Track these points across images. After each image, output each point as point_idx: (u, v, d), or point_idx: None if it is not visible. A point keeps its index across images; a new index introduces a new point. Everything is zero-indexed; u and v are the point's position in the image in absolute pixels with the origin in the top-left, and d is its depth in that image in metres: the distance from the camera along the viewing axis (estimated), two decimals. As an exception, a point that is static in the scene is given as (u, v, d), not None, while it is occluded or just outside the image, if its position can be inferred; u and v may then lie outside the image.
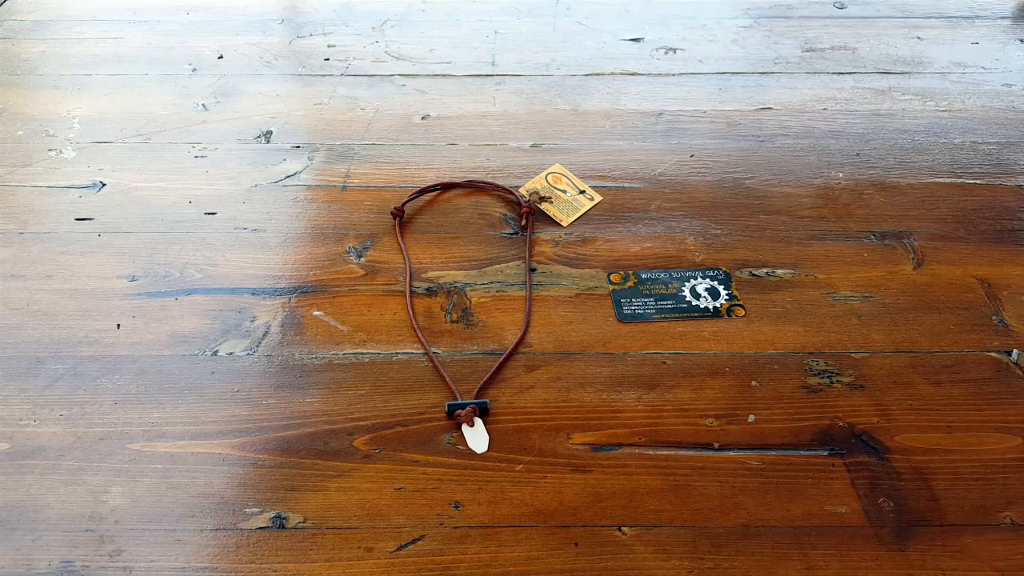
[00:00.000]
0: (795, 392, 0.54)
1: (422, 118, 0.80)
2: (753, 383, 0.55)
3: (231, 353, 0.56)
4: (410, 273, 0.62)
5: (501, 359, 0.56)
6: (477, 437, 0.51)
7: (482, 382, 0.54)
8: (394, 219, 0.67)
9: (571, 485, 0.49)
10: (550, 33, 0.95)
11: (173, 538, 0.46)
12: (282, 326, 0.58)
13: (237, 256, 0.64)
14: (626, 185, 0.72)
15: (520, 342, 0.57)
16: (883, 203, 0.70)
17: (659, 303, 0.60)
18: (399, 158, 0.75)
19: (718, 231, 0.67)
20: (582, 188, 0.71)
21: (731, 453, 0.50)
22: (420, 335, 0.57)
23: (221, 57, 0.90)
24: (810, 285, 0.62)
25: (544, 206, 0.68)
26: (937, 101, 0.84)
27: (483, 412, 0.52)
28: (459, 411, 0.52)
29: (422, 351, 0.57)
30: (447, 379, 0.54)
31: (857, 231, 0.67)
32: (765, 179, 0.73)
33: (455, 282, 0.62)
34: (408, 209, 0.69)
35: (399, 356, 0.56)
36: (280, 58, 0.90)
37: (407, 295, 0.60)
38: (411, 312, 0.59)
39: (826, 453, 0.50)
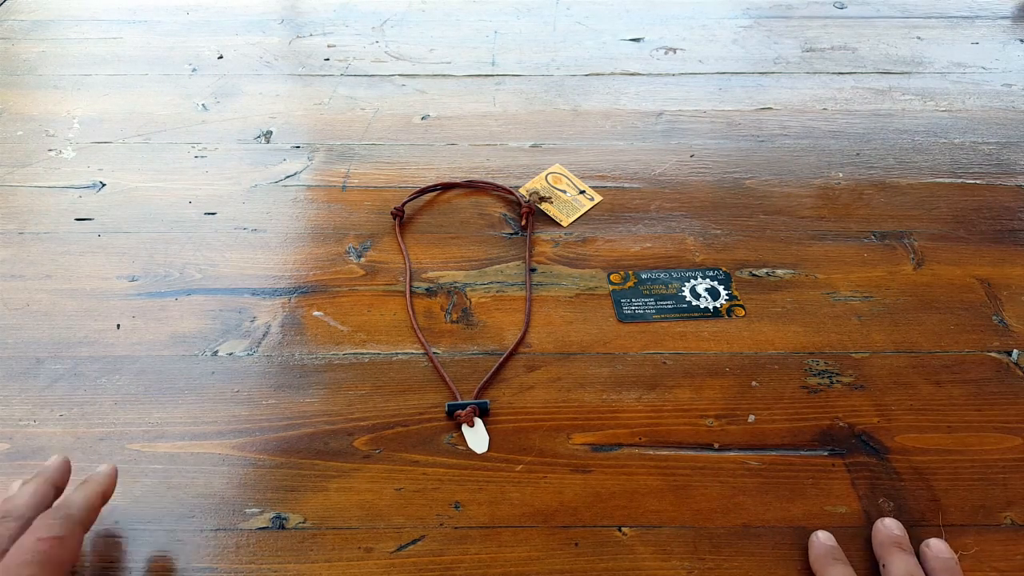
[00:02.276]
0: (795, 392, 0.54)
1: (422, 118, 0.80)
2: (753, 383, 0.55)
3: (231, 353, 0.56)
4: (410, 273, 0.62)
5: (501, 359, 0.56)
6: (477, 437, 0.51)
7: (482, 382, 0.54)
8: (394, 219, 0.67)
9: (571, 485, 0.49)
10: (550, 33, 0.96)
11: (173, 538, 0.46)
12: (282, 326, 0.58)
13: (237, 256, 0.64)
14: (626, 185, 0.72)
15: (520, 342, 0.57)
16: (883, 203, 0.70)
17: (659, 303, 0.60)
18: (399, 158, 0.75)
19: (718, 231, 0.67)
20: (582, 188, 0.71)
21: (731, 453, 0.50)
22: (420, 335, 0.57)
23: (221, 57, 0.90)
24: (810, 285, 0.62)
25: (544, 206, 0.68)
26: (937, 101, 0.84)
27: (483, 412, 0.52)
28: (459, 411, 0.52)
29: (422, 351, 0.57)
30: (447, 379, 0.54)
31: (857, 231, 0.67)
32: (765, 179, 0.73)
33: (455, 282, 0.62)
34: (408, 209, 0.69)
35: (399, 356, 0.56)
36: (280, 58, 0.90)
37: (407, 295, 0.60)
38: (411, 312, 0.59)
39: (826, 453, 0.50)
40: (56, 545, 0.37)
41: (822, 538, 0.45)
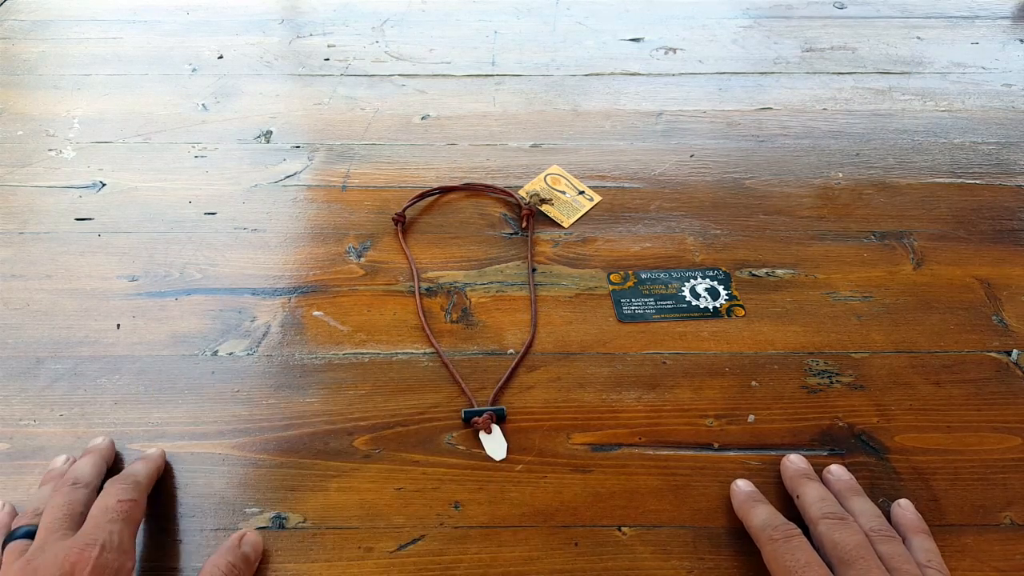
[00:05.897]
0: (795, 392, 0.54)
1: (422, 118, 0.80)
2: (753, 383, 0.55)
3: (231, 353, 0.56)
4: (417, 277, 0.62)
5: (513, 364, 0.55)
6: (495, 444, 0.51)
7: (496, 387, 0.54)
8: (395, 225, 0.66)
9: (571, 485, 0.49)
10: (550, 33, 0.96)
11: (173, 538, 0.46)
12: (282, 326, 0.58)
13: (237, 256, 0.64)
14: (626, 185, 0.72)
15: (529, 347, 0.57)
16: (883, 203, 0.70)
17: (659, 303, 0.60)
18: (399, 158, 0.75)
19: (718, 231, 0.67)
20: (581, 189, 0.71)
21: (731, 453, 0.50)
22: (432, 338, 0.57)
23: (221, 57, 0.90)
24: (810, 285, 0.62)
25: (545, 208, 0.68)
26: (937, 101, 0.84)
27: (500, 419, 0.52)
28: (476, 418, 0.51)
29: (422, 351, 0.57)
30: (461, 383, 0.54)
31: (857, 231, 0.67)
32: (765, 179, 0.73)
33: (455, 282, 0.62)
34: (408, 211, 0.68)
35: (399, 356, 0.56)
36: (280, 58, 0.90)
37: (417, 298, 0.60)
38: (422, 316, 0.59)
39: (826, 453, 0.50)
40: (133, 506, 0.43)
41: (741, 485, 0.48)
